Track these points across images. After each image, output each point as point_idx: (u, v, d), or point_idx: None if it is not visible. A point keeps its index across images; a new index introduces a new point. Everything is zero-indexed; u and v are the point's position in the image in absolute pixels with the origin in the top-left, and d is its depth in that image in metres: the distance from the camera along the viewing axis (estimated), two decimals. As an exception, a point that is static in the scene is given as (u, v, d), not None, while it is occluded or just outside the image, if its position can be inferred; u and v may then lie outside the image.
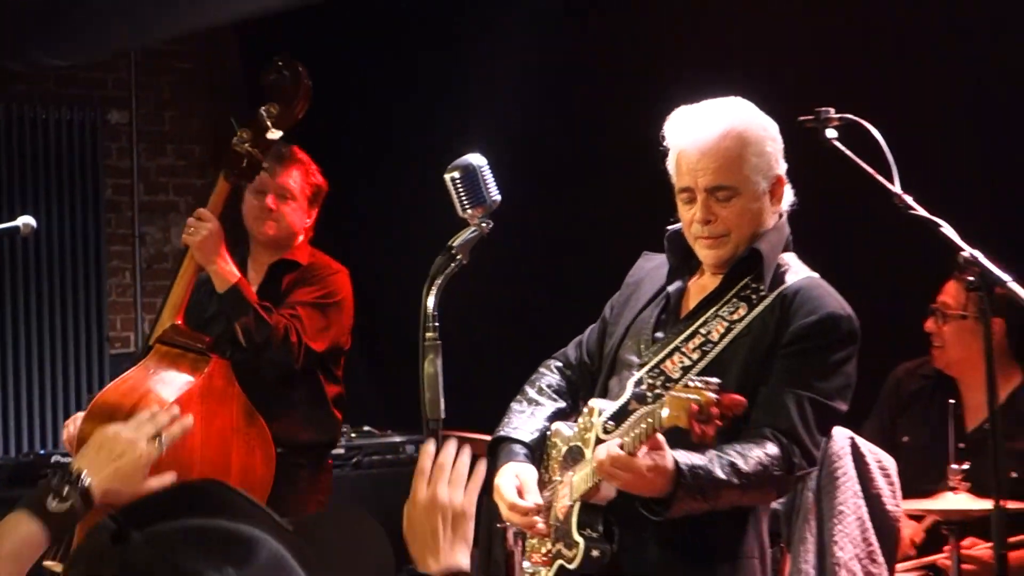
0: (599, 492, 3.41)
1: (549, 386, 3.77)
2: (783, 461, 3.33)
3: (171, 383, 4.71)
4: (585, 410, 3.55)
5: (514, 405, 3.75)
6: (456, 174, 3.49)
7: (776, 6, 5.54)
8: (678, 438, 3.23)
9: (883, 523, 4.29)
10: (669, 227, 3.63)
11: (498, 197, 3.50)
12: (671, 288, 3.61)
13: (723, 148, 3.48)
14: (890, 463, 4.36)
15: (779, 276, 3.51)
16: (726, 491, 3.28)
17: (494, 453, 3.65)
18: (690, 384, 3.17)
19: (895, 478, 4.35)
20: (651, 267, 3.72)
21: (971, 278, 3.89)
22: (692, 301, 3.57)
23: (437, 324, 3.42)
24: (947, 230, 3.92)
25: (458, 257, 3.45)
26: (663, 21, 5.81)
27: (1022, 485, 4.56)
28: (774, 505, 4.36)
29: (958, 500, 4.38)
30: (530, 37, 6.28)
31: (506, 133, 5.42)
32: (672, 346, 3.49)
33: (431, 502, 2.37)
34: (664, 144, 3.58)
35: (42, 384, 7.69)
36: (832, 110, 3.98)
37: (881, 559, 4.26)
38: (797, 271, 3.55)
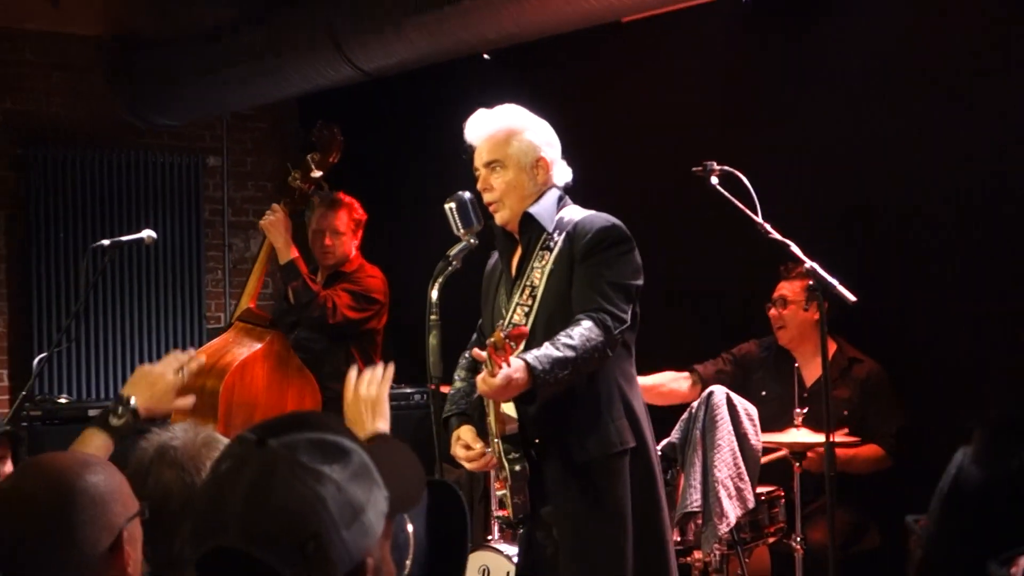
0: (505, 426, 3.33)
1: (463, 367, 3.66)
2: (599, 326, 3.24)
3: (244, 346, 4.86)
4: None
5: (451, 391, 3.62)
6: (453, 204, 3.51)
7: (675, 89, 5.57)
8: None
9: (748, 453, 4.31)
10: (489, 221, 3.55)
11: (483, 221, 3.53)
12: (503, 264, 3.57)
13: (495, 135, 3.48)
14: (753, 411, 4.39)
15: (565, 223, 3.45)
16: (569, 363, 3.16)
17: (446, 429, 3.55)
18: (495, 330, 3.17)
19: (757, 422, 4.38)
20: (495, 259, 3.66)
21: (811, 282, 3.92)
22: (515, 267, 3.51)
23: (438, 309, 3.45)
24: (794, 248, 3.96)
25: (454, 263, 3.47)
26: (600, 101, 5.85)
27: (846, 420, 4.61)
28: (671, 439, 4.38)
29: (800, 434, 4.41)
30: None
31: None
32: (514, 303, 3.44)
33: (355, 397, 2.51)
34: (467, 144, 3.54)
35: (157, 348, 7.65)
36: (715, 163, 4.01)
37: (747, 478, 4.28)
38: (576, 213, 3.49)
